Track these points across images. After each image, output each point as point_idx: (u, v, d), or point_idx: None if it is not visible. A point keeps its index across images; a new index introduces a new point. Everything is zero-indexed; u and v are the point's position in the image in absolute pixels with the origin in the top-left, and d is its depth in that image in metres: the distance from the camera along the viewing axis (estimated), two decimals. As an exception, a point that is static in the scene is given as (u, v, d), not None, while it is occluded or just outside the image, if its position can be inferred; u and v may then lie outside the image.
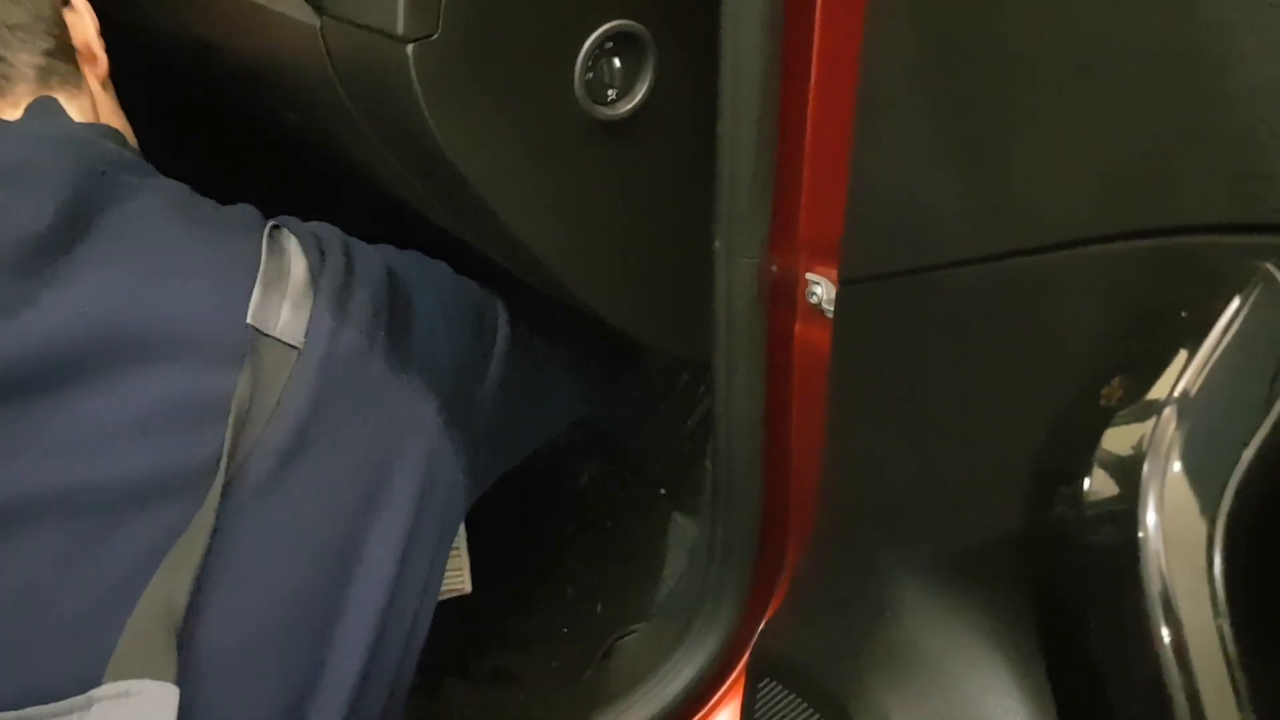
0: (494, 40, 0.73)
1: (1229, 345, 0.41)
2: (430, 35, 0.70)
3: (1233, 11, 0.42)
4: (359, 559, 0.72)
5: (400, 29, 0.70)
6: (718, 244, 0.86)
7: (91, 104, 0.87)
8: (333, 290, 0.76)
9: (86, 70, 0.88)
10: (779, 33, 0.76)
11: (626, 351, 1.13)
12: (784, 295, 0.87)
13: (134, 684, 0.58)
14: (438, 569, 0.80)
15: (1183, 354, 0.42)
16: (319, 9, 0.77)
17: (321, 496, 0.71)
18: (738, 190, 0.82)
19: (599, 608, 1.26)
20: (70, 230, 0.70)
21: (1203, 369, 0.41)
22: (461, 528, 1.12)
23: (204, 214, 0.78)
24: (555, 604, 1.28)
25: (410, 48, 0.70)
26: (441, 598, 1.09)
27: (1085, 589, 0.45)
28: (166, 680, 0.58)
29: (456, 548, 1.13)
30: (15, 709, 0.58)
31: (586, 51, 0.76)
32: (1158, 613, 0.40)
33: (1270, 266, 0.41)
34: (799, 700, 0.71)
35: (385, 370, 0.77)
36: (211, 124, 1.32)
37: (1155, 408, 0.42)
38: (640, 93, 0.80)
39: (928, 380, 0.64)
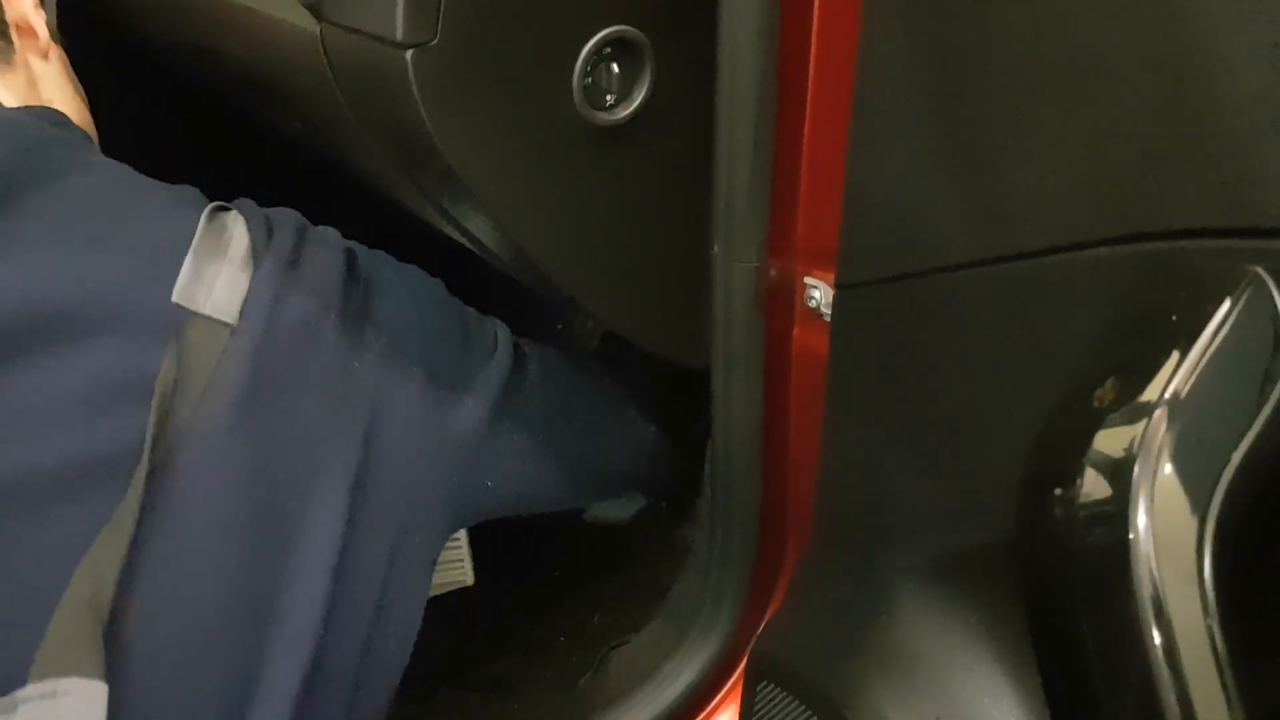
0: (492, 46, 0.73)
1: (1219, 348, 0.42)
2: (429, 41, 0.71)
3: (1221, 19, 0.43)
4: (296, 550, 0.68)
5: (399, 35, 0.70)
6: (716, 248, 0.86)
7: (26, 80, 0.85)
8: (276, 269, 0.74)
9: (25, 45, 0.86)
10: (776, 39, 0.76)
11: (688, 424, 1.06)
12: (782, 299, 0.88)
13: (61, 683, 0.55)
14: (409, 565, 0.77)
15: (1174, 357, 0.42)
16: (318, 15, 0.77)
17: (257, 482, 0.67)
18: (735, 195, 0.83)
19: (596, 617, 1.25)
20: None
21: (1193, 371, 0.42)
22: None
23: (139, 193, 0.76)
24: (552, 614, 1.28)
25: (409, 54, 0.70)
26: (442, 591, 1.09)
27: (1077, 590, 0.45)
28: (95, 678, 0.56)
29: (456, 539, 1.11)
30: None
31: (585, 57, 0.76)
32: (1148, 613, 0.40)
33: (1260, 270, 0.41)
34: (797, 703, 0.71)
35: (335, 353, 0.74)
36: (211, 129, 1.32)
37: (1146, 410, 0.42)
38: (638, 98, 0.80)
39: (924, 384, 0.64)
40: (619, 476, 1.05)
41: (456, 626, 1.13)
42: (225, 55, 1.00)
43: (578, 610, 1.26)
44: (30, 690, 0.55)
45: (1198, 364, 0.42)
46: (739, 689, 0.93)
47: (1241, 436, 0.40)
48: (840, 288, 0.73)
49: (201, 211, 0.74)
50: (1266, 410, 0.40)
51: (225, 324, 0.69)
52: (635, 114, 0.81)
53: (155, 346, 0.66)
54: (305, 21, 0.79)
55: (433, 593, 0.96)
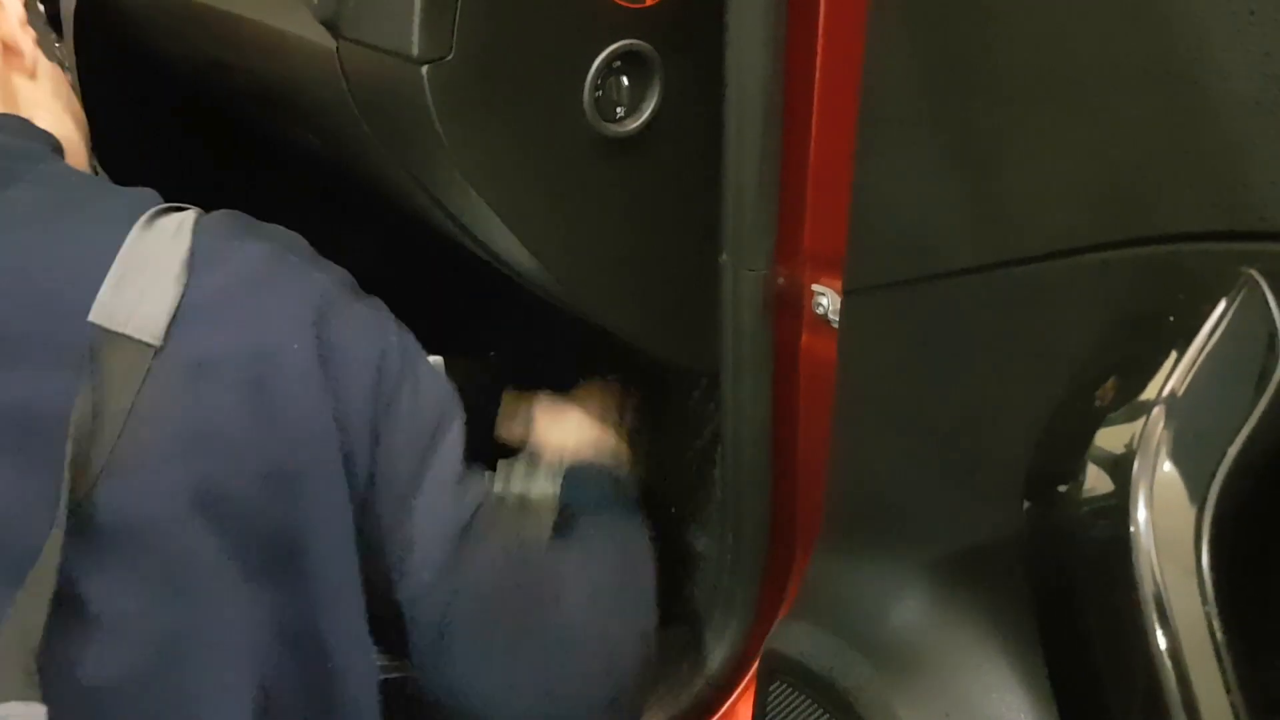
0: (505, 61, 0.75)
1: (1214, 348, 0.43)
2: (444, 57, 0.72)
3: (1214, 30, 0.44)
4: (224, 591, 0.63)
5: (415, 51, 0.72)
6: (724, 256, 0.88)
7: (3, 97, 0.80)
8: (222, 283, 0.65)
9: (10, 63, 0.82)
10: (781, 51, 0.78)
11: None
12: (790, 306, 0.89)
13: (2, 708, 0.54)
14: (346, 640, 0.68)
15: (1171, 356, 0.43)
16: (335, 32, 0.79)
17: (191, 514, 0.61)
18: (743, 204, 0.84)
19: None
20: None
21: (1190, 370, 0.43)
22: None
23: (79, 203, 0.69)
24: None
25: (425, 69, 0.72)
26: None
27: (1080, 583, 0.46)
28: (33, 701, 0.55)
29: None
30: None
31: (595, 71, 0.78)
32: (1149, 604, 0.41)
33: (1254, 272, 0.43)
34: (809, 701, 0.72)
35: (279, 400, 0.65)
36: (228, 142, 1.34)
37: (1145, 408, 0.43)
38: (648, 110, 0.82)
39: (931, 386, 0.66)
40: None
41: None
42: (243, 71, 1.02)
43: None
44: None
45: (1194, 363, 0.43)
46: (753, 690, 0.94)
47: (1237, 432, 0.42)
48: (848, 294, 0.74)
49: (142, 216, 0.66)
50: (1261, 407, 0.42)
51: (147, 344, 0.62)
52: (645, 125, 0.82)
53: (70, 374, 0.60)
54: (322, 38, 0.80)
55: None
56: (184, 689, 0.62)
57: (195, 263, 0.65)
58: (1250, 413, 0.42)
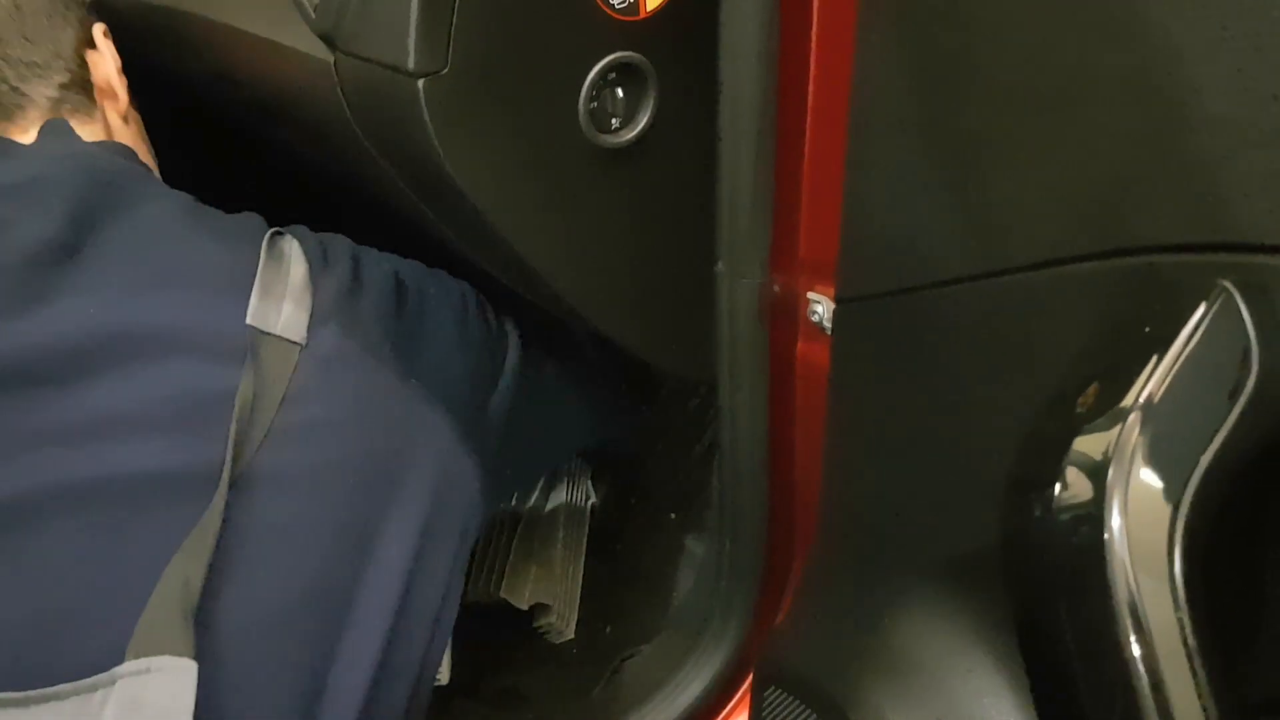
0: (501, 74, 0.75)
1: (1190, 356, 0.44)
2: (440, 70, 0.73)
3: (1190, 46, 0.45)
4: (372, 552, 0.73)
5: (411, 65, 0.73)
6: (720, 265, 0.89)
7: (105, 132, 0.93)
8: (336, 292, 0.80)
9: (106, 105, 0.94)
10: (774, 63, 0.79)
11: (642, 382, 1.15)
12: (786, 314, 0.90)
13: (154, 660, 0.60)
14: (456, 580, 0.82)
15: (1148, 365, 0.44)
16: (332, 45, 0.80)
17: (333, 488, 0.73)
18: (738, 213, 0.85)
19: (608, 629, 1.27)
20: (78, 237, 0.74)
21: (1165, 379, 0.44)
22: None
23: (207, 222, 0.82)
24: (565, 625, 1.29)
25: (421, 82, 0.73)
26: None
27: (1056, 588, 0.47)
28: (184, 656, 0.61)
29: None
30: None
31: (590, 83, 0.79)
32: (1123, 610, 0.42)
33: (1228, 283, 0.44)
34: (803, 706, 0.73)
35: (394, 372, 0.80)
36: (227, 155, 1.35)
37: (1121, 415, 0.44)
38: (642, 121, 0.83)
39: (921, 394, 0.67)
40: (591, 427, 1.13)
41: (470, 640, 1.15)
42: (241, 83, 1.03)
43: (589, 622, 1.27)
44: (127, 667, 0.60)
45: (1169, 372, 0.44)
46: (749, 697, 0.95)
47: (1210, 440, 0.43)
48: (840, 302, 0.75)
49: (262, 238, 0.80)
50: (1234, 414, 0.42)
51: (295, 343, 0.75)
52: (640, 136, 0.83)
53: (233, 365, 0.72)
54: (319, 51, 0.81)
55: None
56: (322, 642, 0.70)
57: (314, 276, 0.80)
58: (1224, 420, 0.42)
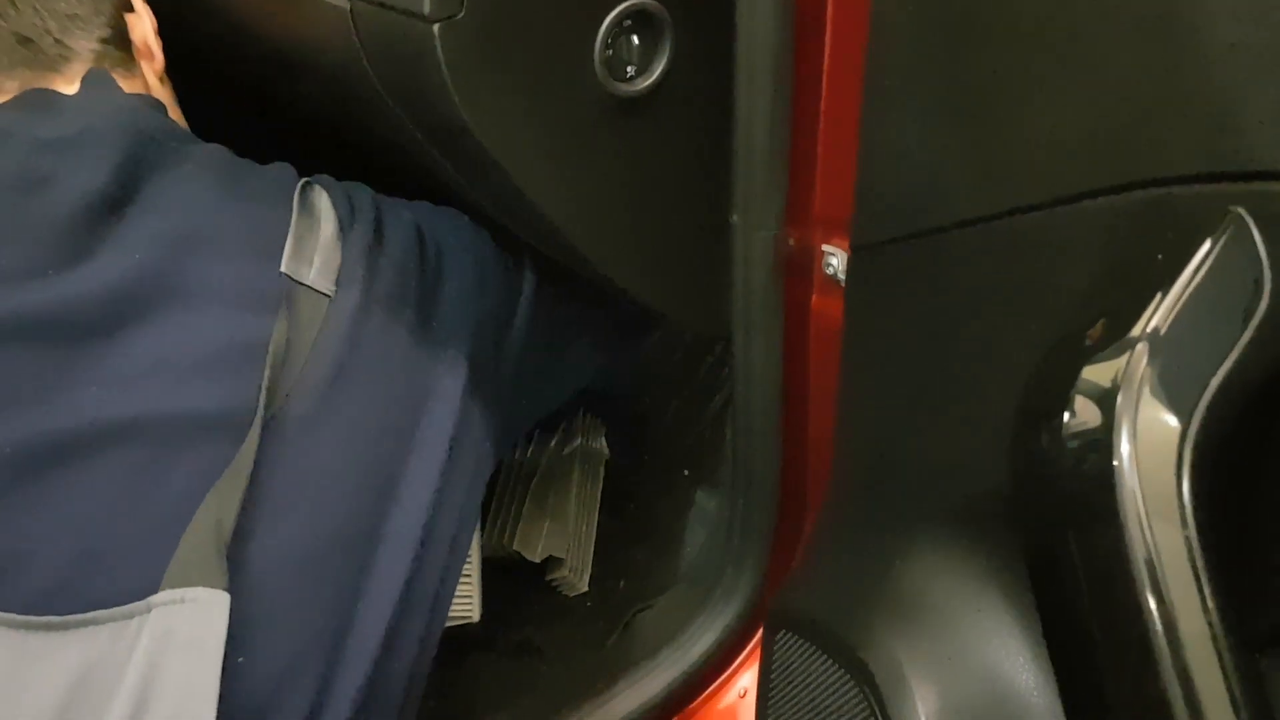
0: (516, 19, 0.75)
1: (1199, 284, 0.44)
2: (455, 15, 0.73)
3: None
4: (395, 494, 0.77)
5: (426, 9, 0.73)
6: (735, 217, 0.89)
7: (144, 89, 0.96)
8: (363, 244, 0.82)
9: (144, 65, 0.97)
10: (791, 11, 0.78)
11: (647, 312, 1.16)
12: (801, 267, 0.90)
13: (189, 591, 0.63)
14: (470, 518, 0.85)
15: (1158, 293, 0.44)
16: (349, -8, 0.80)
17: (359, 432, 0.76)
18: (754, 164, 0.85)
19: (622, 584, 1.28)
20: (123, 191, 0.77)
21: (1175, 306, 0.44)
22: (476, 555, 1.16)
23: (241, 175, 0.85)
24: (578, 580, 1.30)
25: (436, 27, 0.73)
26: (450, 624, 1.12)
27: (1066, 516, 0.47)
28: (218, 588, 0.63)
29: (468, 576, 1.15)
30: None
31: (606, 29, 0.79)
32: (1133, 535, 0.42)
33: (1240, 211, 0.43)
34: (815, 650, 0.74)
35: (418, 318, 0.83)
36: (242, 108, 1.35)
37: (1130, 344, 0.44)
38: (658, 69, 0.83)
39: (934, 338, 0.67)
40: (602, 353, 1.12)
41: (485, 593, 1.17)
42: (256, 35, 1.03)
43: (603, 577, 1.28)
44: (163, 596, 0.63)
45: (1179, 299, 0.44)
46: (760, 651, 0.96)
47: (1219, 366, 0.43)
48: (855, 250, 0.75)
49: (293, 190, 0.83)
50: (1244, 340, 0.43)
51: (324, 294, 0.79)
52: (655, 85, 0.83)
53: (265, 314, 0.75)
54: (336, -1, 0.81)
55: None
56: (349, 576, 0.73)
57: (343, 229, 0.83)
58: (1232, 347, 0.43)
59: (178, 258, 0.76)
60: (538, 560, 1.24)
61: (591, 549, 1.29)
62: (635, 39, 0.81)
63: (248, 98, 1.21)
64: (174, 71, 1.05)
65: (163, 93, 0.99)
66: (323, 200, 0.85)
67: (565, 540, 1.26)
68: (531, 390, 0.98)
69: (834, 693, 0.71)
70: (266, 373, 0.72)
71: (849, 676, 0.69)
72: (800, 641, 0.75)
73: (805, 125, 0.84)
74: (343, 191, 0.88)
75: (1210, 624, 0.41)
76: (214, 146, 0.88)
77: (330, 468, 0.74)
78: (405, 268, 0.85)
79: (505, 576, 1.24)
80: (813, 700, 0.73)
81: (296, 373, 0.74)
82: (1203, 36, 0.45)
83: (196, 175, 0.82)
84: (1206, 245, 0.44)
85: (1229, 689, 0.42)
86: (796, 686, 0.75)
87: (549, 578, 1.28)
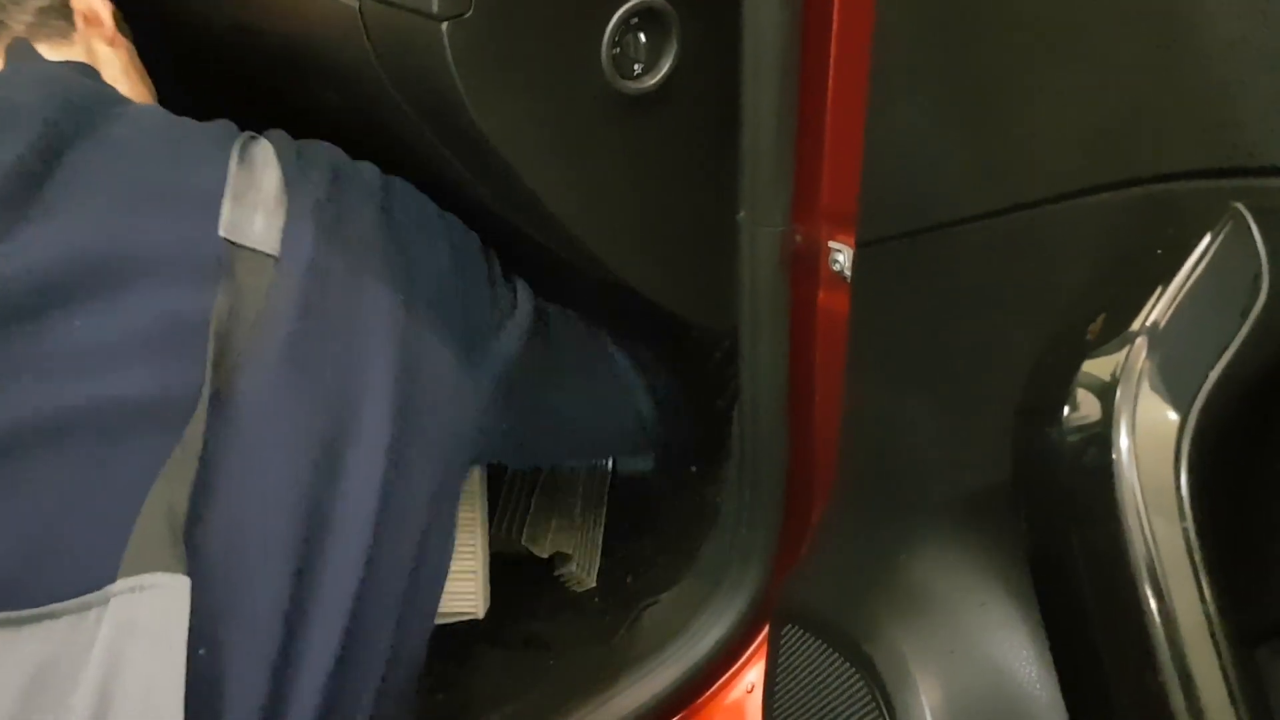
0: (524, 17, 0.76)
1: (1198, 279, 0.44)
2: (463, 13, 0.74)
3: (1204, -31, 0.45)
4: (344, 469, 0.72)
5: (435, 8, 0.73)
6: (742, 213, 0.89)
7: (85, 57, 0.91)
8: (312, 201, 0.77)
9: (91, 32, 0.92)
10: (798, 9, 0.79)
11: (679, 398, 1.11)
12: (807, 263, 0.90)
13: (147, 578, 0.60)
14: (444, 511, 0.81)
15: (1158, 288, 0.45)
16: (358, -10, 0.81)
17: (308, 405, 0.72)
18: (760, 161, 0.85)
19: (629, 578, 1.29)
20: (44, 163, 0.73)
21: (1174, 300, 0.44)
22: (482, 552, 1.13)
23: (176, 135, 0.80)
24: (586, 575, 1.31)
25: (445, 26, 0.74)
26: (448, 620, 1.12)
27: (1065, 508, 0.48)
28: (177, 572, 0.61)
29: (472, 571, 1.13)
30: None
31: (613, 27, 0.79)
32: (1131, 528, 0.43)
33: (1240, 206, 0.44)
34: (820, 642, 0.74)
35: (375, 287, 0.78)
36: (251, 108, 1.35)
37: (1129, 338, 0.44)
38: (665, 67, 0.83)
39: (938, 333, 0.67)
40: (628, 435, 1.07)
41: (494, 588, 1.17)
42: (266, 33, 1.04)
43: (611, 571, 1.29)
44: (121, 585, 0.60)
45: (1178, 294, 0.44)
46: (766, 645, 0.96)
47: (1217, 360, 0.43)
48: (860, 246, 0.75)
49: (234, 146, 0.78)
50: (1241, 335, 0.43)
51: (269, 255, 0.73)
52: (662, 82, 0.84)
53: (208, 283, 0.70)
54: (345, -3, 0.82)
55: (445, 621, 0.99)
56: (312, 561, 0.69)
57: (288, 181, 0.77)
58: (1231, 340, 0.43)
59: (106, 231, 0.71)
60: (545, 556, 1.25)
61: (599, 544, 1.30)
62: (642, 37, 0.82)
63: (257, 97, 1.21)
64: (181, 71, 1.05)
65: (115, 59, 0.94)
66: (266, 153, 0.80)
67: (573, 536, 1.27)
68: (526, 421, 0.92)
69: (839, 685, 0.71)
70: (210, 348, 0.68)
71: (854, 669, 0.70)
72: (806, 635, 0.75)
73: (811, 122, 0.84)
74: (293, 148, 0.83)
75: (1208, 616, 0.42)
76: (149, 107, 0.84)
77: (281, 445, 0.70)
78: (363, 234, 0.80)
79: (513, 571, 1.24)
80: (818, 693, 0.73)
81: (242, 346, 0.70)
82: (1203, 33, 0.45)
83: (127, 140, 0.77)
84: (1206, 240, 0.44)
85: (1227, 681, 0.42)
86: (802, 679, 0.76)
87: (557, 573, 1.28)
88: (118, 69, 0.94)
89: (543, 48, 0.78)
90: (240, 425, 0.68)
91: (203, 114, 0.98)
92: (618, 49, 0.81)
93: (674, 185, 0.90)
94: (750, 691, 1.09)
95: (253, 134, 0.81)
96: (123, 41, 0.97)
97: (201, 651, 0.61)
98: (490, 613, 1.17)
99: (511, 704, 1.14)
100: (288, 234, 0.75)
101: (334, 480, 0.71)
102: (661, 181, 0.90)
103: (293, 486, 0.69)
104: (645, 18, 0.81)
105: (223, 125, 0.83)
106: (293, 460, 0.70)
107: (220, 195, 0.74)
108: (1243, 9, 0.43)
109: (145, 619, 0.60)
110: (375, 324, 0.77)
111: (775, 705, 0.80)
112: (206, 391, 0.67)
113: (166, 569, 0.61)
